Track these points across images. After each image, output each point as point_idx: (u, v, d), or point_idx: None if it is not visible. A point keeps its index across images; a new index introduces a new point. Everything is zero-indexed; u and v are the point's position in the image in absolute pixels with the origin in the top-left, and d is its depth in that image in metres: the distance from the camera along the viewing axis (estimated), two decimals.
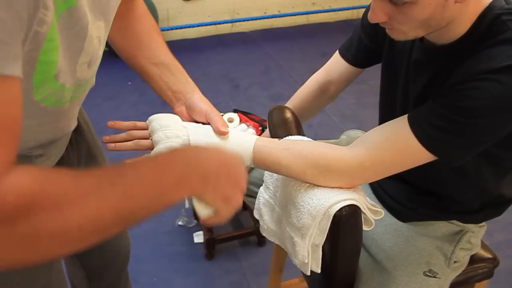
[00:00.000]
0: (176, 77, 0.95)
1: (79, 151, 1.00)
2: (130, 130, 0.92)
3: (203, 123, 0.91)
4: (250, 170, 1.22)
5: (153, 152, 0.83)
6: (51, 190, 0.49)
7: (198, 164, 0.58)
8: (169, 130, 0.85)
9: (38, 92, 0.63)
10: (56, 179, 0.50)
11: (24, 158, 0.75)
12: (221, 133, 0.85)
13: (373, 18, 0.81)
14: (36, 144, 0.78)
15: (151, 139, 0.87)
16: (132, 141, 0.87)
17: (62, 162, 0.90)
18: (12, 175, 0.47)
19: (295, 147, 0.89)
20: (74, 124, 0.87)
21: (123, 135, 0.89)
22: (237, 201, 0.63)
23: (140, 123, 0.91)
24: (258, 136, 0.92)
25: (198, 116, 0.91)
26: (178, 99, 0.94)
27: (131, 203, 0.52)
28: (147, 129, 0.90)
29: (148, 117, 0.94)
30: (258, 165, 0.90)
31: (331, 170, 0.86)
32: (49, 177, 0.50)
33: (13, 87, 0.47)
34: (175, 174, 0.56)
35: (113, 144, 0.86)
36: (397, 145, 0.84)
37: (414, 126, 0.82)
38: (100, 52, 0.73)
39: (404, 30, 0.82)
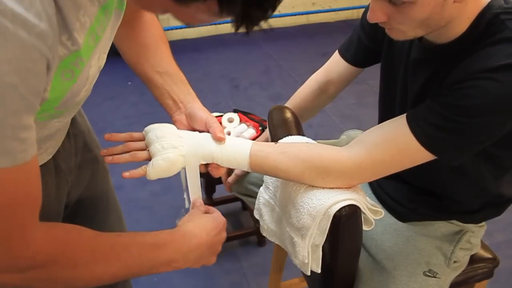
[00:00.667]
0: (178, 87, 0.96)
1: (76, 143, 1.00)
2: (126, 141, 0.92)
3: (200, 131, 0.93)
4: None
5: (150, 163, 0.85)
6: (70, 255, 0.64)
7: (187, 253, 0.74)
8: (165, 141, 0.86)
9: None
10: (76, 245, 0.65)
11: None
12: (219, 139, 0.87)
13: (372, 18, 0.81)
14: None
15: (148, 150, 0.88)
16: (129, 153, 0.88)
17: (59, 154, 0.90)
18: (38, 236, 0.60)
19: (292, 151, 0.89)
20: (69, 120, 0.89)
21: (120, 147, 0.90)
22: (211, 262, 0.81)
23: (136, 134, 0.92)
24: (254, 141, 0.91)
25: (198, 124, 0.93)
26: (177, 108, 0.96)
27: (127, 272, 0.70)
28: (143, 140, 0.91)
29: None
30: (256, 170, 0.90)
31: (329, 172, 0.86)
32: (70, 242, 0.65)
33: (32, 166, 0.56)
34: (167, 257, 0.72)
35: (110, 157, 0.87)
36: (395, 144, 0.84)
37: (413, 125, 0.82)
38: (97, 76, 0.75)
39: (403, 30, 0.82)
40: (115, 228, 1.22)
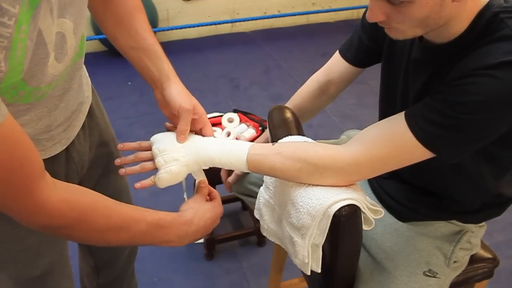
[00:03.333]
0: (153, 63, 0.94)
1: (92, 137, 1.01)
2: (136, 150, 0.98)
3: (173, 119, 0.96)
4: None
5: (157, 175, 0.92)
6: (86, 220, 0.71)
7: (183, 237, 0.83)
8: (167, 154, 0.91)
9: (8, 94, 0.65)
10: (93, 211, 0.72)
11: (35, 141, 0.75)
12: (179, 140, 0.92)
13: (371, 18, 0.81)
14: (41, 130, 0.81)
15: (154, 161, 0.94)
16: (139, 165, 0.94)
17: (74, 146, 0.93)
18: (52, 199, 0.66)
19: (288, 150, 0.90)
20: (76, 103, 0.89)
21: (131, 158, 0.96)
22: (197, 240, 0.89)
23: (144, 143, 0.97)
24: (252, 144, 0.93)
25: (172, 110, 0.94)
26: (156, 87, 0.96)
27: (131, 241, 0.81)
28: (150, 149, 0.96)
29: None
30: (254, 172, 0.93)
31: (326, 168, 0.86)
32: (88, 208, 0.71)
33: (7, 127, 0.57)
34: (166, 238, 0.82)
35: (123, 170, 0.94)
36: (393, 140, 0.84)
37: (411, 122, 0.82)
38: (69, 44, 0.74)
39: (402, 29, 0.82)
40: None
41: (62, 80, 0.80)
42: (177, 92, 0.94)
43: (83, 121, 0.95)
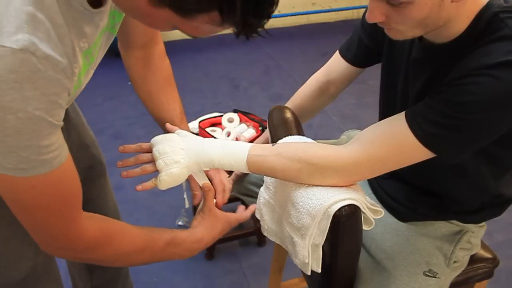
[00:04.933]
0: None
1: (70, 137, 1.02)
2: (137, 152, 1.00)
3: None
4: None
5: (158, 177, 0.94)
6: (114, 245, 0.80)
7: (194, 251, 0.91)
8: (167, 157, 0.92)
9: None
10: (120, 237, 0.81)
11: None
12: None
13: (370, 18, 0.81)
14: None
15: (155, 163, 0.96)
16: (139, 168, 0.97)
17: None
18: (90, 227, 0.76)
19: (288, 151, 0.90)
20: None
21: (132, 160, 0.98)
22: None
23: (145, 145, 1.00)
24: (252, 145, 0.94)
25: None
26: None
27: (151, 260, 0.87)
28: (151, 151, 0.97)
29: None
30: (255, 173, 0.94)
31: (326, 167, 0.86)
32: (116, 234, 0.80)
33: (68, 165, 0.68)
34: (179, 253, 0.90)
35: (125, 172, 0.97)
36: (393, 140, 0.84)
37: (411, 122, 0.82)
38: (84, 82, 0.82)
39: (402, 30, 0.82)
40: None
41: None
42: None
43: None
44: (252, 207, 1.05)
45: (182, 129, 1.02)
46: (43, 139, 0.60)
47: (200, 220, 0.95)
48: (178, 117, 1.07)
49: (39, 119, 0.58)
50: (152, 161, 0.96)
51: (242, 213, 1.02)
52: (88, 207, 1.10)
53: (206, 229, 0.94)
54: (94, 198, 1.13)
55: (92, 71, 0.80)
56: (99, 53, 0.79)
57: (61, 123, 0.63)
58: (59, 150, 0.64)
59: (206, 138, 0.97)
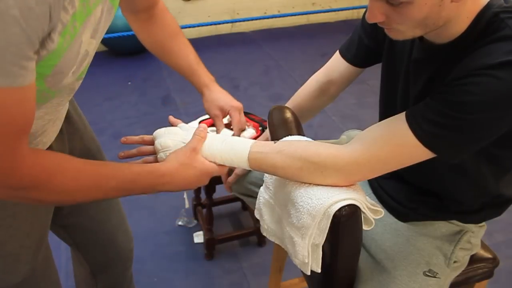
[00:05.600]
0: (198, 71, 1.17)
1: (72, 142, 1.02)
2: (139, 143, 1.01)
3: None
4: (250, 170, 1.22)
5: None
6: (55, 182, 0.71)
7: (158, 186, 0.84)
8: (169, 150, 0.93)
9: None
10: (61, 173, 0.72)
11: None
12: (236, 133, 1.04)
13: (370, 18, 0.82)
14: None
15: (157, 156, 0.96)
16: (141, 159, 0.97)
17: (52, 150, 0.93)
18: (26, 161, 0.67)
19: (290, 149, 0.90)
20: (63, 111, 0.95)
21: (134, 152, 0.99)
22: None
23: (147, 137, 1.01)
24: (253, 141, 0.94)
25: (221, 109, 1.15)
26: (202, 91, 1.17)
27: (104, 197, 0.83)
28: (153, 143, 0.98)
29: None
30: (256, 169, 0.94)
31: (327, 166, 0.86)
32: (56, 171, 0.72)
33: (29, 91, 0.62)
34: (139, 190, 0.83)
35: (122, 153, 0.97)
36: (393, 140, 0.84)
37: (411, 122, 0.82)
38: (86, 63, 0.80)
39: (402, 30, 0.82)
40: (119, 230, 1.22)
41: (67, 91, 0.83)
42: (223, 94, 1.17)
43: (60, 126, 0.97)
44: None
45: (200, 73, 1.15)
46: (11, 43, 0.56)
47: (175, 154, 0.88)
48: (194, 61, 1.15)
49: (12, 19, 0.55)
50: (154, 153, 0.96)
51: (220, 167, 0.94)
52: (92, 208, 1.11)
53: (177, 166, 0.86)
54: (97, 203, 1.13)
55: (94, 41, 0.78)
56: (96, 12, 0.74)
57: (36, 46, 0.60)
58: (27, 71, 0.60)
59: (208, 134, 0.96)
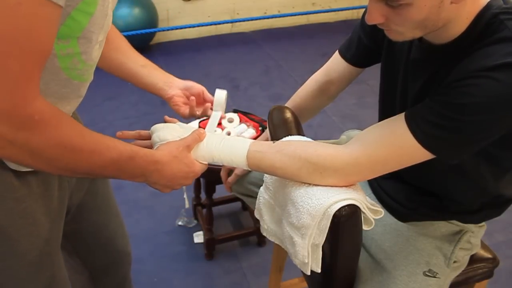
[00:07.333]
0: (160, 71, 1.12)
1: None
2: (136, 139, 1.01)
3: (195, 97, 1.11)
4: (250, 170, 1.22)
5: None
6: (63, 129, 0.68)
7: (147, 173, 0.82)
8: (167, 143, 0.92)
9: (60, 50, 0.71)
10: (68, 125, 0.69)
11: None
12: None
13: (370, 20, 0.82)
14: None
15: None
16: (136, 131, 0.98)
17: None
18: (40, 98, 0.64)
19: (289, 148, 0.90)
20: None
21: (132, 133, 1.00)
22: (163, 192, 0.89)
23: (143, 132, 1.00)
24: (252, 141, 0.94)
25: (196, 91, 1.14)
26: (169, 87, 1.11)
27: (100, 170, 0.76)
28: (149, 138, 0.98)
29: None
30: (254, 169, 0.94)
31: (326, 167, 0.86)
32: (64, 121, 0.68)
33: (55, 15, 0.61)
34: (132, 173, 0.81)
35: (120, 132, 0.98)
36: (392, 141, 0.84)
37: (410, 123, 0.82)
38: (103, 37, 0.81)
39: (401, 31, 0.82)
40: (117, 234, 1.22)
41: (88, 79, 0.84)
42: (186, 81, 1.13)
43: None
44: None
45: (154, 71, 1.10)
46: None
47: (167, 145, 0.88)
48: (144, 64, 1.09)
49: None
50: (150, 148, 0.94)
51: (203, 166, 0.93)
52: (93, 214, 1.11)
53: (168, 156, 0.85)
54: (97, 206, 1.12)
55: (112, 6, 0.78)
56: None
57: None
58: None
59: (207, 132, 0.95)
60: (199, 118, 1.15)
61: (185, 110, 1.11)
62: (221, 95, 1.13)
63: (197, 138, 0.91)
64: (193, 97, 1.10)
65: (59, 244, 0.97)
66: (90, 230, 1.13)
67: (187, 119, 1.14)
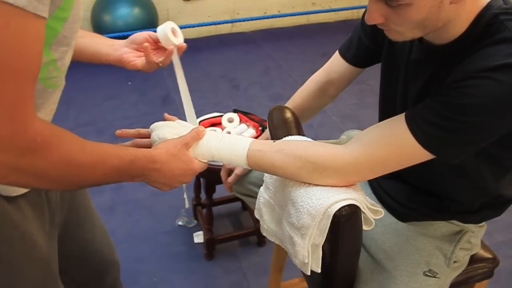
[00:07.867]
0: (101, 37, 1.08)
1: None
2: (135, 137, 1.00)
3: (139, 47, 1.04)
4: (250, 170, 1.22)
5: None
6: (64, 146, 0.67)
7: (147, 175, 0.83)
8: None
9: (42, 72, 0.69)
10: (69, 141, 0.68)
11: None
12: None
13: (369, 20, 0.82)
14: None
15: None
16: (131, 141, 0.97)
17: None
18: (37, 119, 0.63)
19: (289, 148, 0.90)
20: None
21: (129, 144, 0.98)
22: (163, 190, 0.89)
23: (143, 130, 0.99)
24: (252, 140, 0.93)
25: (141, 39, 1.05)
26: (115, 49, 1.05)
27: (104, 178, 0.76)
28: (149, 137, 0.97)
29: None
30: (254, 168, 0.94)
31: (326, 166, 0.86)
32: (65, 137, 0.68)
33: (39, 29, 0.59)
34: (131, 174, 0.80)
35: (119, 131, 0.97)
36: (393, 141, 0.84)
37: (411, 123, 0.82)
38: (74, 44, 0.79)
39: (401, 31, 0.82)
40: (103, 245, 1.20)
41: (59, 86, 0.81)
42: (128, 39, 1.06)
43: None
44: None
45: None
46: None
47: (165, 144, 0.87)
48: (83, 35, 1.03)
49: None
50: (149, 147, 0.94)
51: (202, 164, 0.93)
52: (78, 231, 1.09)
53: (166, 155, 0.85)
54: (81, 221, 1.11)
55: (81, 11, 0.75)
56: None
57: None
58: (43, 5, 0.57)
59: (207, 131, 0.95)
60: (163, 66, 1.10)
61: (141, 62, 1.03)
62: (163, 29, 1.02)
63: (195, 136, 0.90)
64: (146, 44, 1.02)
65: (57, 263, 0.95)
66: (78, 247, 1.11)
67: (151, 71, 1.07)
